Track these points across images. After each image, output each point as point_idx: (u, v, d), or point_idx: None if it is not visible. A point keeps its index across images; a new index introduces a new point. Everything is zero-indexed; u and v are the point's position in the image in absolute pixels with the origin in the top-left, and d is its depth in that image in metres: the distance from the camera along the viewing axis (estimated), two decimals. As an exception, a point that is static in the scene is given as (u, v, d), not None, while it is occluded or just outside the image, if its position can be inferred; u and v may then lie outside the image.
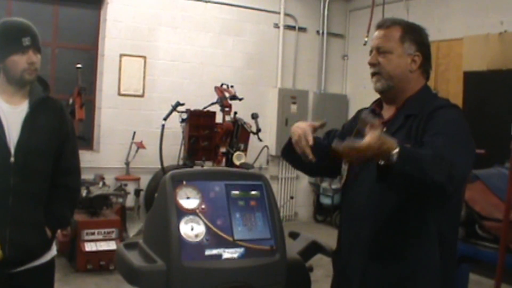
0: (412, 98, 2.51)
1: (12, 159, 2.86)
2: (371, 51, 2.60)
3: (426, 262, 2.38)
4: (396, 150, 2.04)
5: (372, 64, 2.56)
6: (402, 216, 2.37)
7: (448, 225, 2.45)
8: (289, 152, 2.81)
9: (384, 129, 2.45)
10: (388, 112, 2.60)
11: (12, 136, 2.89)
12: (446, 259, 2.41)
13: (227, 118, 8.24)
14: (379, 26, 2.60)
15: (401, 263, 2.40)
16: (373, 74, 2.57)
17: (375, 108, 2.66)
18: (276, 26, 10.41)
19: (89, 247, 6.51)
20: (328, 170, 2.90)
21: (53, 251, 3.16)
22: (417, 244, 2.38)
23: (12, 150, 2.87)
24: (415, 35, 2.53)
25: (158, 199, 2.57)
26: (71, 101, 7.77)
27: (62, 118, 3.11)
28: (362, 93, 10.25)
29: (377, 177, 2.16)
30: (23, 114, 2.93)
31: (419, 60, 2.51)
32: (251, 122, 8.30)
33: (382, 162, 2.09)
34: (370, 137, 2.00)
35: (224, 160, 8.18)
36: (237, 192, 2.60)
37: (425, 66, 2.56)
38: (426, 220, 2.37)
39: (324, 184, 10.25)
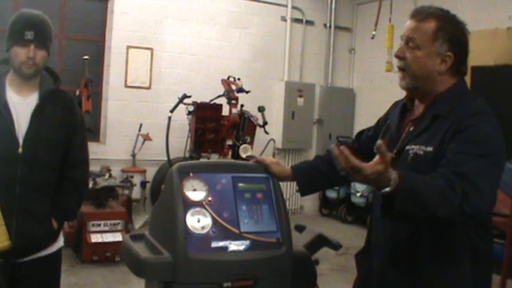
0: (442, 97, 2.33)
1: (20, 149, 2.87)
2: (401, 39, 2.40)
3: (449, 276, 2.24)
4: (393, 186, 1.93)
5: (398, 57, 2.38)
6: (421, 228, 2.25)
7: (479, 234, 2.28)
8: (310, 186, 2.84)
9: (411, 129, 2.40)
10: (418, 108, 2.44)
11: (21, 127, 2.90)
12: (478, 270, 2.25)
13: (234, 110, 8.23)
14: (414, 15, 2.39)
15: (416, 276, 2.28)
16: (399, 69, 2.40)
17: (407, 102, 2.52)
18: (284, 19, 10.38)
19: (95, 238, 6.53)
20: None
21: (60, 242, 3.16)
22: (437, 260, 2.24)
23: (21, 141, 2.88)
24: (450, 32, 2.32)
25: (164, 191, 2.57)
26: (78, 92, 7.78)
27: (71, 110, 3.12)
28: (369, 87, 10.22)
29: (381, 208, 2.06)
30: (32, 105, 2.95)
31: (450, 60, 2.31)
32: (258, 115, 8.29)
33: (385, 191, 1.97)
34: (372, 169, 1.91)
35: (230, 152, 8.18)
36: (243, 184, 2.60)
37: (458, 66, 2.35)
38: (449, 235, 2.22)
39: (330, 178, 10.22)
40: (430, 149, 2.24)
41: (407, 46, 2.35)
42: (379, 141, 1.96)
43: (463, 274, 2.23)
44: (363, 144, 2.73)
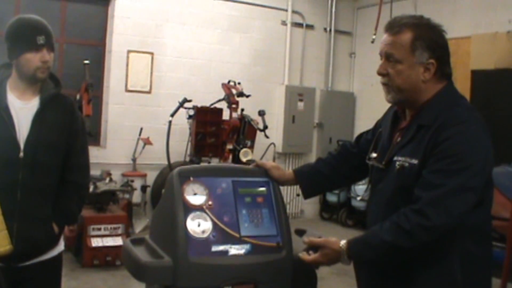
0: (427, 105, 2.33)
1: (21, 154, 2.88)
2: (380, 56, 2.41)
3: (439, 285, 2.26)
4: (344, 254, 2.29)
5: (381, 74, 2.38)
6: None
7: (475, 242, 2.27)
8: (312, 189, 2.89)
9: (399, 139, 2.42)
10: (408, 117, 2.45)
11: (22, 131, 2.91)
12: (470, 277, 2.25)
13: (234, 114, 8.24)
14: (388, 29, 2.37)
15: (408, 280, 2.30)
16: (383, 84, 2.40)
17: (398, 110, 2.52)
18: (284, 23, 10.40)
19: (95, 242, 6.53)
20: (360, 174, 2.86)
21: (61, 246, 3.17)
22: (425, 265, 2.26)
23: (22, 145, 2.89)
24: (428, 39, 2.30)
25: (165, 195, 2.57)
26: (78, 96, 7.78)
27: (73, 114, 3.12)
28: (369, 90, 10.24)
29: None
30: (33, 110, 2.95)
31: (433, 67, 2.30)
32: (258, 119, 8.31)
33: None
34: (315, 258, 2.38)
35: (230, 156, 8.19)
36: (244, 188, 2.61)
37: (442, 70, 2.35)
38: (442, 242, 2.20)
39: (330, 182, 10.21)
40: (415, 161, 2.27)
41: (387, 61, 2.35)
42: (306, 240, 2.44)
43: (454, 280, 2.23)
44: (362, 147, 2.75)
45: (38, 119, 2.94)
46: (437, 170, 2.16)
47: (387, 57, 2.35)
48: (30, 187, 2.90)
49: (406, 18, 2.38)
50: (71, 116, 3.11)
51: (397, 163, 2.33)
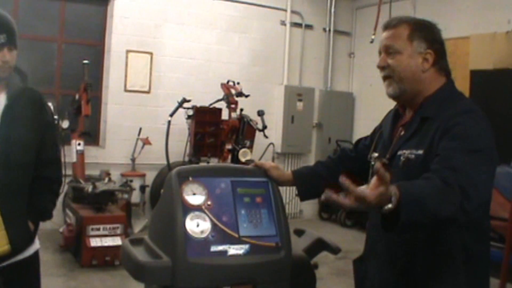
0: (429, 99, 2.36)
1: None
2: (380, 53, 2.45)
3: (443, 279, 2.24)
4: (394, 201, 1.89)
5: (381, 68, 2.42)
6: (416, 233, 2.24)
7: (474, 237, 2.26)
8: (309, 191, 2.84)
9: (402, 132, 2.43)
10: (408, 114, 2.48)
11: None
12: (472, 272, 2.25)
13: (233, 115, 8.24)
14: (386, 27, 2.44)
15: (410, 281, 2.29)
16: (384, 78, 2.42)
17: (398, 109, 2.54)
18: (283, 23, 10.40)
19: (94, 242, 6.52)
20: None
21: (36, 245, 3.07)
22: (430, 262, 2.25)
23: None
24: (425, 32, 2.38)
25: (164, 195, 2.57)
26: (77, 96, 7.80)
27: (42, 108, 3.02)
28: (368, 91, 10.24)
29: (381, 225, 2.04)
30: (1, 106, 2.85)
31: (432, 58, 2.36)
32: (257, 119, 8.31)
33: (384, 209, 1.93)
34: (374, 195, 1.86)
35: (229, 157, 8.19)
36: (243, 188, 2.61)
37: (441, 63, 2.40)
38: (444, 238, 2.22)
39: (329, 182, 10.22)
40: (420, 152, 2.26)
41: (387, 54, 2.40)
42: (377, 164, 1.91)
43: (457, 277, 2.23)
44: (360, 152, 2.76)
45: (7, 115, 2.83)
46: (453, 148, 2.12)
47: (386, 49, 2.40)
48: (3, 184, 2.80)
49: (403, 16, 2.47)
50: (40, 110, 3.00)
51: (402, 156, 2.32)
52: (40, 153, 2.98)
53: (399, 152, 2.35)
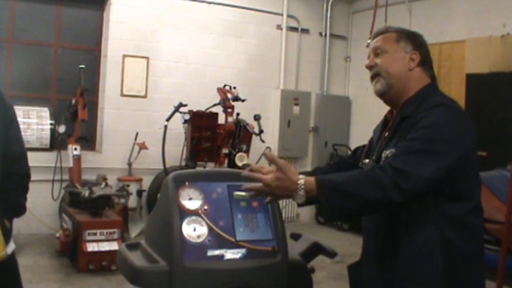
0: (410, 100, 2.44)
1: None
2: (369, 56, 2.56)
3: (421, 273, 2.29)
4: (302, 184, 2.17)
5: (369, 67, 2.53)
6: (399, 230, 2.33)
7: (457, 233, 2.28)
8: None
9: (386, 134, 2.50)
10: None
11: None
12: (452, 268, 2.27)
13: (230, 119, 8.25)
14: (375, 35, 2.58)
15: (393, 277, 2.34)
16: (372, 77, 2.53)
17: (387, 115, 2.62)
18: (279, 27, 10.41)
19: (91, 247, 6.51)
20: None
21: (12, 244, 3.03)
22: (411, 261, 2.30)
23: None
24: (411, 37, 2.50)
25: (160, 200, 2.57)
26: (74, 101, 7.80)
27: (3, 104, 2.98)
28: (364, 95, 10.25)
29: (319, 213, 2.20)
30: None
31: (417, 58, 2.46)
32: (254, 123, 8.32)
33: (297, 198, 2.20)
34: (271, 177, 2.20)
35: (226, 161, 8.19)
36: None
37: (426, 66, 2.49)
38: (424, 236, 2.28)
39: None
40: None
41: (375, 55, 2.52)
42: (265, 150, 2.11)
43: (435, 266, 2.26)
44: (358, 159, 2.78)
45: None
46: (412, 138, 2.25)
47: (374, 51, 2.52)
48: None
49: (392, 26, 2.61)
50: (3, 106, 2.96)
51: (383, 156, 2.40)
52: (5, 149, 2.93)
53: (383, 153, 2.43)
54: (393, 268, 2.34)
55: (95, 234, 6.59)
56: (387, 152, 2.39)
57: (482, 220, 2.42)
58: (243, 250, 2.49)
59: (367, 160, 2.56)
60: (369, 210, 2.32)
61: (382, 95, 2.52)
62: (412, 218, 2.29)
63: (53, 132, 7.89)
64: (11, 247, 3.01)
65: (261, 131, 8.23)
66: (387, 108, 2.73)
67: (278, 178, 2.19)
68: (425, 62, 2.49)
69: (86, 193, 6.90)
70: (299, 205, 2.33)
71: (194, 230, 2.43)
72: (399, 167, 2.15)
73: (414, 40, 2.49)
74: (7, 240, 2.94)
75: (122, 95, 8.99)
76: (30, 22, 8.50)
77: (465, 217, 2.30)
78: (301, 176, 2.21)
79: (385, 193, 2.13)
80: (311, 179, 2.19)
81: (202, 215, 2.47)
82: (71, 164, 7.73)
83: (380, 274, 2.41)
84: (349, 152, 2.98)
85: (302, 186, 2.18)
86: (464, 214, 2.30)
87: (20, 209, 3.13)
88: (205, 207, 2.50)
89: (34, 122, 7.91)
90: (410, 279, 2.30)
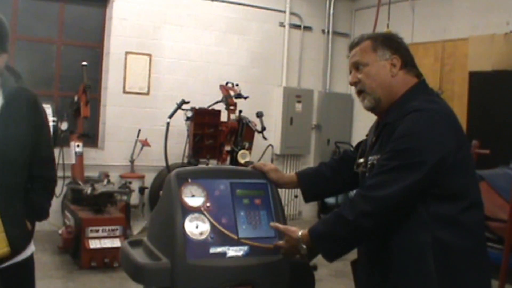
0: (393, 105, 2.43)
1: None
2: (350, 72, 2.56)
3: (412, 276, 2.29)
4: (300, 239, 2.36)
5: (353, 84, 2.52)
6: (389, 233, 2.31)
7: (451, 233, 2.26)
8: (314, 192, 2.90)
9: (373, 139, 2.50)
10: None
11: None
12: (448, 268, 2.26)
13: (232, 116, 8.23)
14: (350, 47, 2.57)
15: (386, 276, 2.34)
16: (358, 94, 2.52)
17: (378, 119, 2.60)
18: (282, 25, 10.40)
19: (93, 244, 6.51)
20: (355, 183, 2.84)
21: (32, 247, 3.05)
22: (402, 260, 2.30)
23: None
24: (387, 42, 2.47)
25: (163, 197, 2.57)
26: (76, 98, 7.80)
27: (36, 108, 2.99)
28: (367, 92, 10.22)
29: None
30: None
31: (398, 62, 2.43)
32: (256, 120, 8.30)
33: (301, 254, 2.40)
34: (281, 242, 2.46)
35: (228, 158, 8.18)
36: (242, 190, 2.61)
37: (409, 67, 2.47)
38: (413, 236, 2.28)
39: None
40: (379, 157, 2.36)
41: (356, 70, 2.51)
42: (272, 223, 2.51)
43: (426, 266, 2.25)
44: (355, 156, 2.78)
45: (3, 115, 2.82)
46: (386, 153, 2.29)
47: (355, 66, 2.52)
48: (0, 184, 2.79)
49: (364, 34, 2.61)
50: (35, 110, 2.98)
51: (369, 162, 2.44)
52: (34, 152, 2.96)
53: (369, 159, 2.46)
54: (385, 271, 2.34)
55: (97, 231, 6.59)
56: (371, 158, 2.42)
57: (481, 216, 2.40)
58: (246, 248, 2.49)
59: (361, 160, 2.57)
60: (362, 240, 2.39)
61: (372, 110, 2.52)
62: (402, 222, 2.28)
63: (55, 129, 7.87)
64: (31, 249, 3.03)
65: (263, 129, 8.22)
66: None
67: (286, 241, 2.43)
68: (407, 63, 2.47)
69: (88, 190, 6.90)
70: (310, 258, 2.59)
71: (196, 227, 2.43)
72: (365, 193, 2.26)
73: (391, 44, 2.47)
74: (27, 241, 2.97)
75: (125, 92, 8.98)
76: (33, 19, 8.49)
77: (459, 216, 2.28)
78: (300, 232, 2.38)
79: (354, 226, 2.22)
80: (305, 232, 2.36)
81: (205, 212, 2.47)
82: (73, 161, 7.74)
83: (373, 277, 2.41)
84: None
85: (301, 241, 2.35)
86: (457, 213, 2.28)
87: (43, 213, 3.13)
88: (208, 204, 2.50)
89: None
90: (402, 283, 2.29)
